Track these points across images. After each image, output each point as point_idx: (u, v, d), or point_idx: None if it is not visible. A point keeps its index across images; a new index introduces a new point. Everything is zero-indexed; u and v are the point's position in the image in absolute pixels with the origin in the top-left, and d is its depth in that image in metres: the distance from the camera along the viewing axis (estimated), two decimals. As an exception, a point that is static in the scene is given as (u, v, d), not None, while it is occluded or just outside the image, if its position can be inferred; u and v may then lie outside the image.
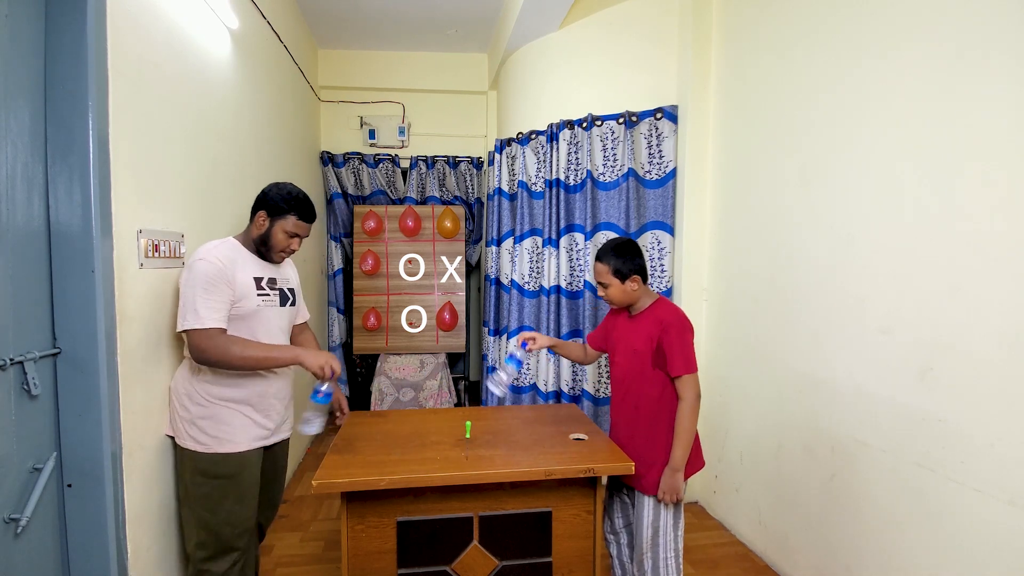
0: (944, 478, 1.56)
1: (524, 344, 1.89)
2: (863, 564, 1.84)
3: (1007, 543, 1.39)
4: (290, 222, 1.73)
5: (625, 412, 1.77)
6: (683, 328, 1.65)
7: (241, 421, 1.67)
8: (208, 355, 1.54)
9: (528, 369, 3.23)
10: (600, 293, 1.77)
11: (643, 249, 2.94)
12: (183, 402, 1.65)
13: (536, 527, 1.66)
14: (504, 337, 3.33)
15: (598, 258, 1.74)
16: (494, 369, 3.38)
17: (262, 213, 1.72)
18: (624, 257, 1.70)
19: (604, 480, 1.76)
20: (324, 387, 1.68)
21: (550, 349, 2.01)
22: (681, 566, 1.71)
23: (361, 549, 1.59)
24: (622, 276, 1.70)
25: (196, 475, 1.64)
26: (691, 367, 1.63)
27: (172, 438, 1.70)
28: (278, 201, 1.71)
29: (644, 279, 1.73)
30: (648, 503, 1.69)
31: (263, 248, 1.74)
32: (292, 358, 1.66)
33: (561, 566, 1.68)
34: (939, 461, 1.57)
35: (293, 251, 1.79)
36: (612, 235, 2.97)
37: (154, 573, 1.63)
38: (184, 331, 1.56)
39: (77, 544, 1.38)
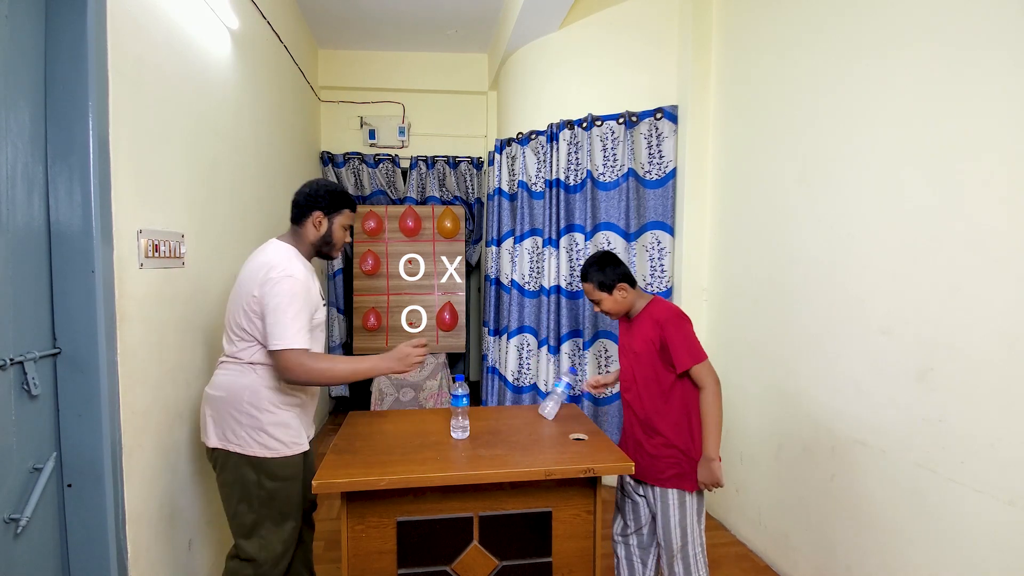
0: (944, 478, 1.56)
1: (573, 369, 1.95)
2: (863, 564, 1.84)
3: (1007, 543, 1.39)
4: (346, 216, 1.77)
5: (636, 414, 1.78)
6: (679, 321, 1.67)
7: (302, 422, 1.72)
8: (294, 374, 1.56)
9: (528, 369, 3.23)
10: (596, 310, 1.81)
11: (643, 249, 2.96)
12: (247, 411, 1.61)
13: (536, 527, 1.66)
14: (504, 337, 3.33)
15: (582, 278, 1.78)
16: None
17: (318, 214, 1.71)
18: (604, 269, 1.73)
19: (609, 479, 1.76)
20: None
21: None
22: (707, 560, 1.73)
23: (361, 549, 1.59)
24: (608, 288, 1.74)
25: (267, 480, 1.64)
26: (698, 356, 1.64)
27: (218, 449, 1.63)
28: (331, 198, 1.73)
29: (632, 284, 1.75)
30: (673, 502, 1.70)
31: (326, 248, 1.77)
32: (371, 369, 1.70)
33: (561, 566, 1.68)
34: (939, 461, 1.57)
35: (347, 243, 1.84)
36: (612, 235, 2.98)
37: (154, 573, 1.63)
38: (280, 351, 1.55)
39: (77, 544, 1.38)
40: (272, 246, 1.68)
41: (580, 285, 3.05)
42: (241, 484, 1.63)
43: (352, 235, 4.24)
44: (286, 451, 1.65)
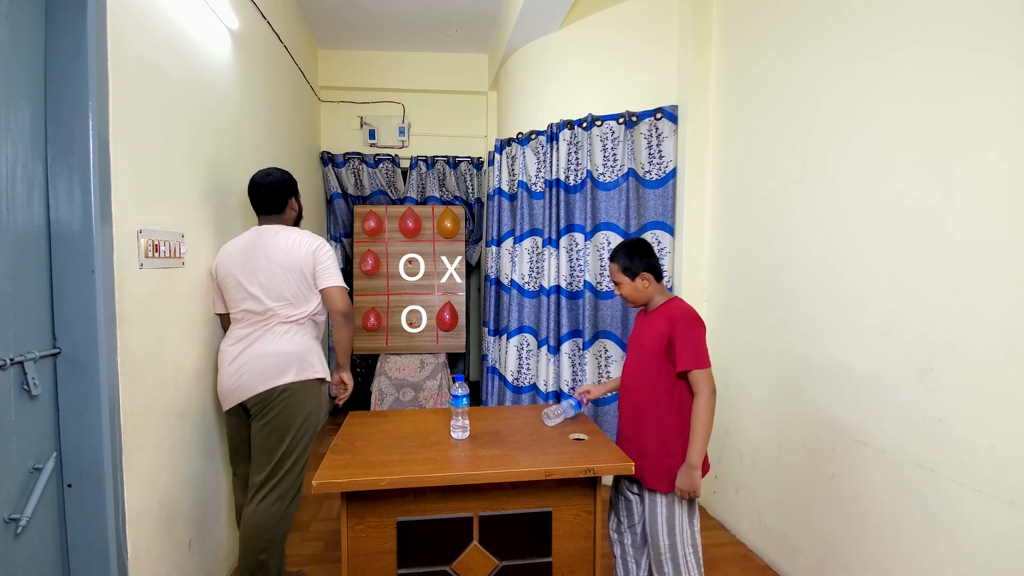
0: (944, 478, 1.56)
1: (577, 404, 2.01)
2: (863, 564, 1.84)
3: (1007, 543, 1.39)
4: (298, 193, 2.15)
5: (631, 407, 1.78)
6: (692, 323, 1.65)
7: None
8: (340, 301, 1.96)
9: (528, 369, 3.23)
10: (615, 292, 1.81)
11: (643, 249, 2.96)
12: (316, 349, 2.00)
13: (536, 527, 1.66)
14: (504, 337, 3.33)
15: (611, 258, 1.80)
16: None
17: (293, 199, 2.08)
18: (633, 256, 1.74)
19: (609, 479, 1.76)
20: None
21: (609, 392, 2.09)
22: (701, 561, 1.71)
23: (361, 549, 1.59)
24: (631, 274, 1.74)
25: (320, 403, 2.05)
26: (701, 362, 1.62)
27: (294, 384, 1.91)
28: (294, 182, 2.08)
29: (657, 277, 1.75)
30: (661, 500, 1.70)
31: (299, 224, 2.14)
32: (348, 363, 2.15)
33: (561, 566, 1.68)
34: (939, 461, 1.57)
35: None
36: (612, 235, 2.98)
37: (154, 573, 1.63)
38: (336, 286, 1.97)
39: (77, 544, 1.38)
40: (282, 230, 1.98)
41: (579, 285, 3.06)
42: (315, 408, 1.97)
43: (352, 235, 4.25)
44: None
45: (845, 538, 1.92)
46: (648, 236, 2.95)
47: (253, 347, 1.90)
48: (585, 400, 2.00)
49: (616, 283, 1.80)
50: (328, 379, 2.03)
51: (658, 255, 2.92)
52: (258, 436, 1.90)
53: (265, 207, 2.00)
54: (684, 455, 1.65)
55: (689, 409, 1.66)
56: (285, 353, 1.91)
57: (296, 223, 2.12)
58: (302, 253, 1.93)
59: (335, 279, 1.98)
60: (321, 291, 1.98)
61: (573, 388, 3.10)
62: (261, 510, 1.85)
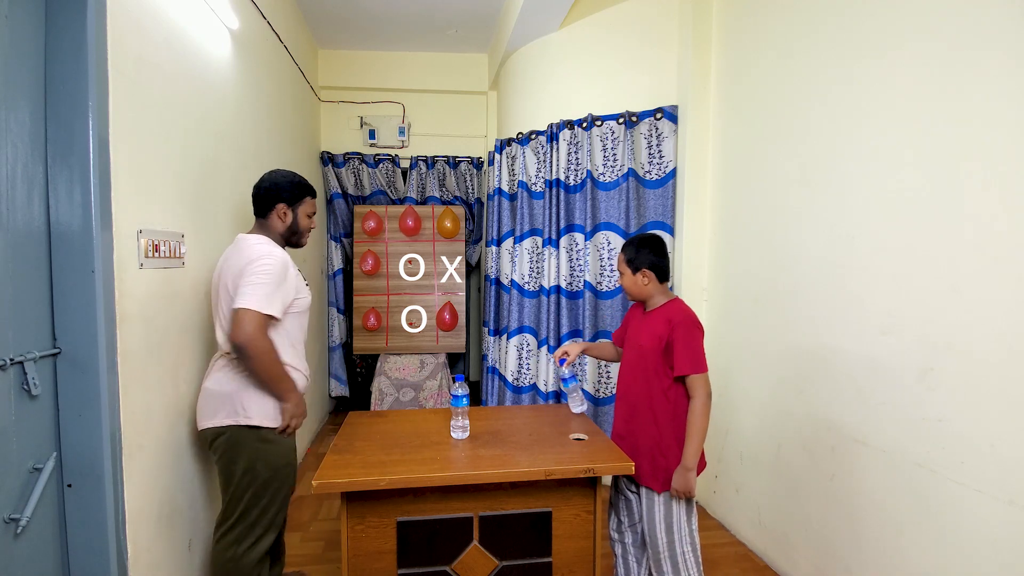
0: (944, 478, 1.56)
1: (562, 361, 1.98)
2: (863, 564, 1.84)
3: (1007, 543, 1.39)
4: (308, 204, 1.85)
5: (627, 406, 1.79)
6: (691, 326, 1.65)
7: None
8: (243, 332, 1.54)
9: (528, 369, 3.23)
10: (619, 282, 1.82)
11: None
12: (254, 392, 1.68)
13: (536, 527, 1.66)
14: (504, 337, 3.33)
15: (622, 247, 1.81)
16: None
17: (281, 206, 1.79)
18: (641, 250, 1.74)
19: (608, 479, 1.76)
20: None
21: (583, 353, 2.07)
22: (700, 560, 1.71)
23: (361, 549, 1.59)
24: (633, 267, 1.74)
25: (272, 452, 1.72)
26: (699, 367, 1.63)
27: (228, 428, 1.68)
28: (292, 189, 1.80)
29: (660, 278, 1.75)
30: (658, 500, 1.70)
31: (293, 237, 1.85)
32: (287, 389, 1.71)
33: (561, 566, 1.68)
34: (939, 461, 1.57)
35: (312, 228, 1.91)
36: (612, 235, 2.98)
37: (154, 573, 1.63)
38: (242, 308, 1.55)
39: (77, 544, 1.38)
40: (247, 240, 1.73)
41: (580, 285, 3.06)
42: (257, 460, 1.69)
43: (352, 235, 4.25)
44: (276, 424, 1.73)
45: (845, 538, 1.92)
46: (648, 236, 2.96)
47: (205, 379, 1.75)
48: (567, 363, 1.98)
49: (620, 273, 1.81)
50: (273, 426, 1.71)
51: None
52: None
53: (254, 208, 1.82)
54: (679, 456, 1.66)
55: (684, 411, 1.67)
56: (214, 392, 1.69)
57: (289, 238, 1.84)
58: (232, 272, 1.64)
59: (247, 299, 1.55)
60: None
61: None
62: (217, 551, 1.73)
